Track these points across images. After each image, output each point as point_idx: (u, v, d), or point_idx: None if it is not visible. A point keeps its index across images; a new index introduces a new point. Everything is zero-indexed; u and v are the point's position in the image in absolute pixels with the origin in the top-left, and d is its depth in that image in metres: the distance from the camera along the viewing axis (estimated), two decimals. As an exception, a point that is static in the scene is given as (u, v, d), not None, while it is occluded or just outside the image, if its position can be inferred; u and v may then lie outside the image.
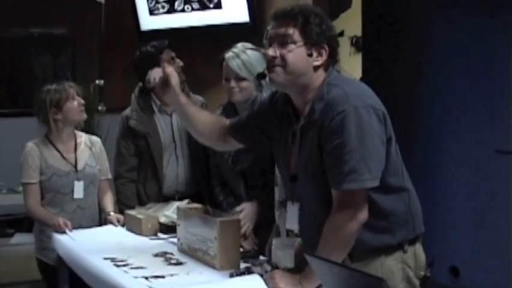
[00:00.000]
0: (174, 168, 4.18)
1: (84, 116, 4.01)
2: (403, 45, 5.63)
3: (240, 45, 3.55)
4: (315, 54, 2.55)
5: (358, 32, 5.80)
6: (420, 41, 5.52)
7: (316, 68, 2.56)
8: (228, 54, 3.52)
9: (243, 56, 3.49)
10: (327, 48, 2.56)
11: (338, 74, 2.61)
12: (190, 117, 2.95)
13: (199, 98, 4.31)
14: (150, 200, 4.13)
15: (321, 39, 2.54)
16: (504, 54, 4.72)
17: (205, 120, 2.98)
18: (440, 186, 5.21)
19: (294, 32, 2.53)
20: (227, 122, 3.01)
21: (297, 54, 2.54)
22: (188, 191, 4.16)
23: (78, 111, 3.95)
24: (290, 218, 2.70)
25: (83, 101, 3.97)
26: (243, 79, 3.49)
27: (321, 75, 2.57)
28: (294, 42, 2.53)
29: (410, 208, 2.62)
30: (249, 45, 3.55)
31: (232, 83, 3.51)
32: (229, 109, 3.69)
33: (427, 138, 5.35)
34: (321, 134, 2.48)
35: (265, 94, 3.48)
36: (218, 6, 5.50)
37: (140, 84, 4.22)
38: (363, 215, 2.45)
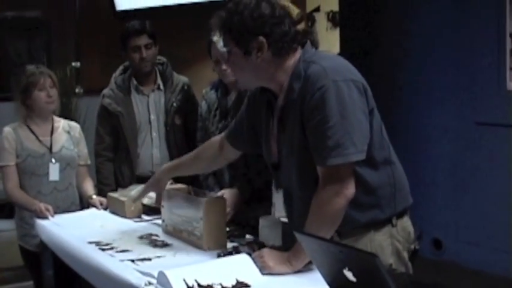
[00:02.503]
0: (149, 149, 4.16)
1: (52, 107, 3.94)
2: (381, 19, 5.61)
3: None
4: (253, 51, 2.49)
5: (335, 7, 5.78)
6: (399, 15, 5.50)
7: (263, 61, 2.50)
8: (215, 37, 3.47)
9: None
10: (263, 39, 2.48)
11: (314, 51, 2.57)
12: (191, 168, 3.08)
13: (182, 79, 4.25)
14: (125, 180, 4.10)
15: (248, 36, 2.48)
16: (484, 29, 4.72)
17: (202, 157, 3.02)
18: (422, 159, 5.21)
19: (226, 41, 2.55)
20: (220, 136, 3.00)
21: (236, 61, 2.54)
22: None
23: (44, 102, 3.89)
24: (278, 205, 2.69)
25: (52, 93, 3.89)
26: None
27: (277, 61, 2.52)
28: (229, 52, 2.54)
29: (395, 181, 2.60)
30: None
31: (224, 66, 3.48)
32: (220, 87, 3.67)
33: (407, 113, 5.35)
34: (302, 112, 2.46)
35: None
36: (195, -17, 5.44)
37: (126, 63, 4.18)
38: (350, 190, 2.43)
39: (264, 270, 2.49)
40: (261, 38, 2.48)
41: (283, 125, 2.58)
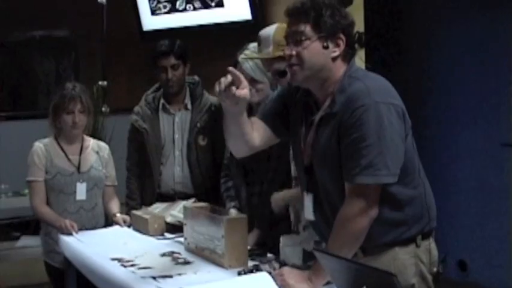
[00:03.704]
0: (171, 167, 4.17)
1: (76, 132, 3.96)
2: (406, 42, 5.62)
3: (251, 46, 3.49)
4: (331, 45, 2.52)
5: (361, 27, 5.80)
6: (424, 38, 5.51)
7: (334, 59, 2.54)
8: (241, 57, 3.48)
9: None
10: (343, 37, 2.53)
11: (358, 67, 2.60)
12: (239, 127, 2.81)
13: (212, 99, 4.19)
14: (148, 198, 4.13)
15: (336, 30, 2.51)
16: (508, 50, 4.71)
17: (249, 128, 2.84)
18: (447, 180, 5.20)
19: (306, 28, 2.51)
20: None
21: (312, 49, 2.51)
22: (186, 191, 4.13)
23: (70, 126, 3.92)
24: (307, 208, 2.68)
25: (78, 119, 3.90)
26: (258, 81, 3.45)
27: (340, 66, 2.55)
28: (308, 38, 2.51)
29: (426, 201, 2.61)
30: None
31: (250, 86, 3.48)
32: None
33: (432, 134, 5.34)
34: (340, 126, 2.47)
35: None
36: (220, 4, 5.47)
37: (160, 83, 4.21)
38: (374, 210, 2.44)
39: (284, 288, 2.49)
40: (342, 36, 2.52)
41: (320, 134, 2.58)
